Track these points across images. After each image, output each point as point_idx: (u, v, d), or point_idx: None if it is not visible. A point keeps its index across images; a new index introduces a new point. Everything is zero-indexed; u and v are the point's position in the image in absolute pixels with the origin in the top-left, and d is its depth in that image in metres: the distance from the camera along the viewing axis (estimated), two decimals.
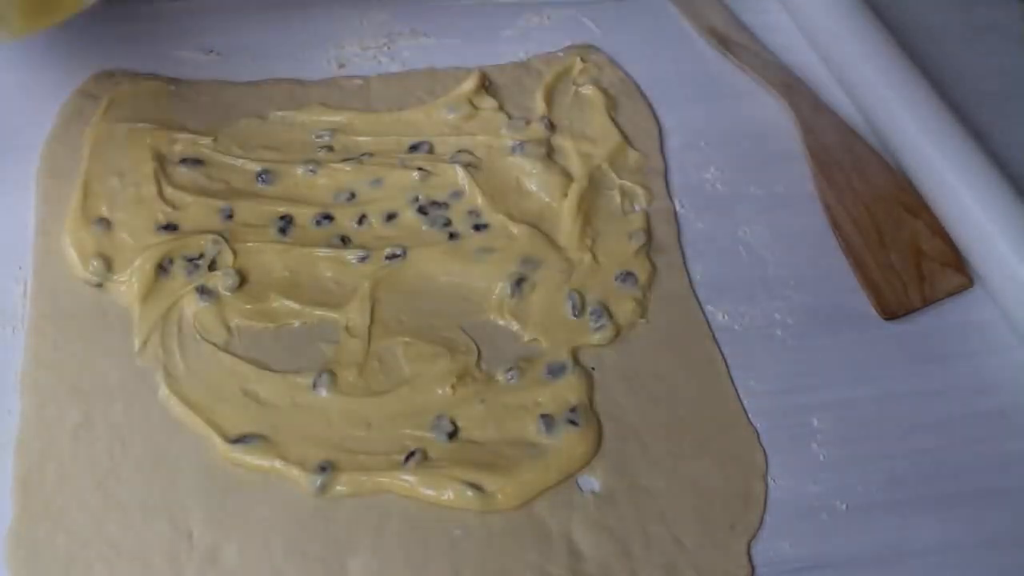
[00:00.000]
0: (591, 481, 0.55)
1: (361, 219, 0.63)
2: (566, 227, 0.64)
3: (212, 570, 0.50)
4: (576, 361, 0.58)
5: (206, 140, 0.66)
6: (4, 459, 0.52)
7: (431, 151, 0.67)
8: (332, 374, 0.57)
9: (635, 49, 0.76)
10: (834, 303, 0.63)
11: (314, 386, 0.56)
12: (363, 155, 0.66)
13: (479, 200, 0.64)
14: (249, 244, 0.61)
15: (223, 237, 0.61)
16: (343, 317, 0.59)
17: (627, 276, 0.62)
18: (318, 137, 0.67)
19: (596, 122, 0.70)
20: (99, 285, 0.59)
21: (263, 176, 0.65)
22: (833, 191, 0.68)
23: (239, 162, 0.65)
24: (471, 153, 0.67)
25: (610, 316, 0.60)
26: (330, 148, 0.67)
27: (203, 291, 0.59)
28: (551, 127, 0.69)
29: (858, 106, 0.73)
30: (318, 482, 0.53)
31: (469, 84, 0.70)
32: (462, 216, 0.64)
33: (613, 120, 0.70)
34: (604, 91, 0.72)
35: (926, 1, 0.79)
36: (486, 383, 0.57)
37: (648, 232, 0.65)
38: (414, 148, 0.67)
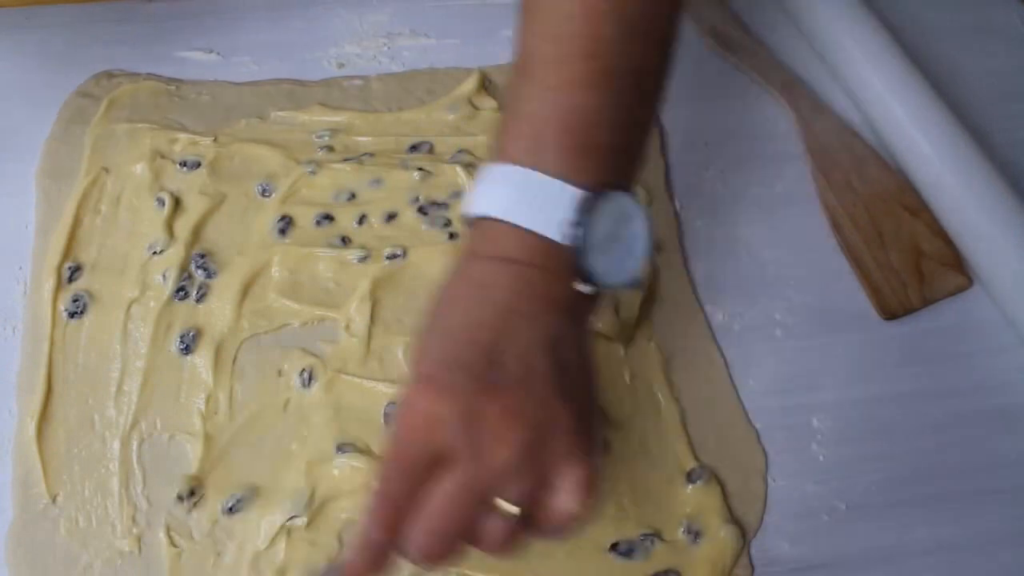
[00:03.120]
0: None
1: (361, 219, 0.63)
2: None
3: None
4: None
5: (206, 140, 0.66)
6: (4, 459, 0.52)
7: (431, 151, 0.67)
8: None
9: None
10: (834, 303, 0.63)
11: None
12: (363, 155, 0.66)
13: None
14: None
15: None
16: (343, 317, 0.59)
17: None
18: (318, 137, 0.67)
19: None
20: None
21: None
22: (833, 191, 0.68)
23: None
24: (471, 153, 0.67)
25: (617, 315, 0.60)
26: (330, 148, 0.67)
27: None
28: None
29: (858, 106, 0.73)
30: None
31: (469, 84, 0.70)
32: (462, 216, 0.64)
33: None
34: None
35: (926, 1, 0.79)
36: None
37: None
38: (414, 148, 0.67)
